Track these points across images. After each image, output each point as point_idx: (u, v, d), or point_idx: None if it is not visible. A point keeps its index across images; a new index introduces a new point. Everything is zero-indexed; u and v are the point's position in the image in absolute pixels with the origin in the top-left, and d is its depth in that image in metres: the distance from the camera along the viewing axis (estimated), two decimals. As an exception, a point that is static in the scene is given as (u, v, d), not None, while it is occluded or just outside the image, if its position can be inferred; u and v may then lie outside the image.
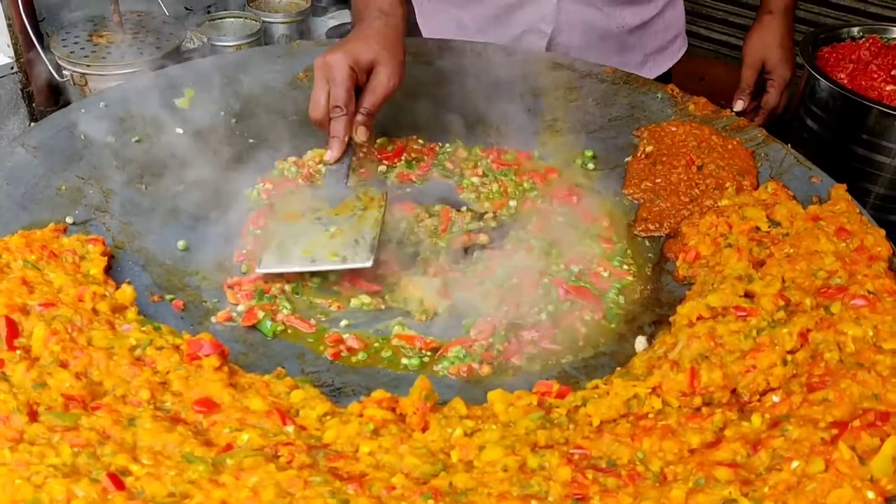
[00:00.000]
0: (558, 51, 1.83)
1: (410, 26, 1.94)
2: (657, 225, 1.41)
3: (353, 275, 1.29)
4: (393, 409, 1.01)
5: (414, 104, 1.63)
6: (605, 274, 1.33)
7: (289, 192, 1.45)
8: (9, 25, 2.54)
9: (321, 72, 1.38)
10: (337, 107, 1.37)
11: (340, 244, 1.29)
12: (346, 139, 1.40)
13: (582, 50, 1.82)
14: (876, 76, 1.98)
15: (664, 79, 1.91)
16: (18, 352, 1.01)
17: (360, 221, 1.33)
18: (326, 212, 1.36)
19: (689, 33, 2.00)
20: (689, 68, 3.25)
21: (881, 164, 1.79)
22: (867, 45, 2.08)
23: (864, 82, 1.98)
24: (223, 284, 1.28)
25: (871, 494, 0.84)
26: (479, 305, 1.26)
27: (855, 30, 2.14)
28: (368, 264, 1.26)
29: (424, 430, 0.99)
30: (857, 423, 0.93)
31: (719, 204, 1.39)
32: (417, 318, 1.25)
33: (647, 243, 1.40)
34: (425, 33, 1.95)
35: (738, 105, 1.83)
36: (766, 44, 1.83)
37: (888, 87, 1.94)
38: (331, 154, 1.41)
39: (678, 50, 1.99)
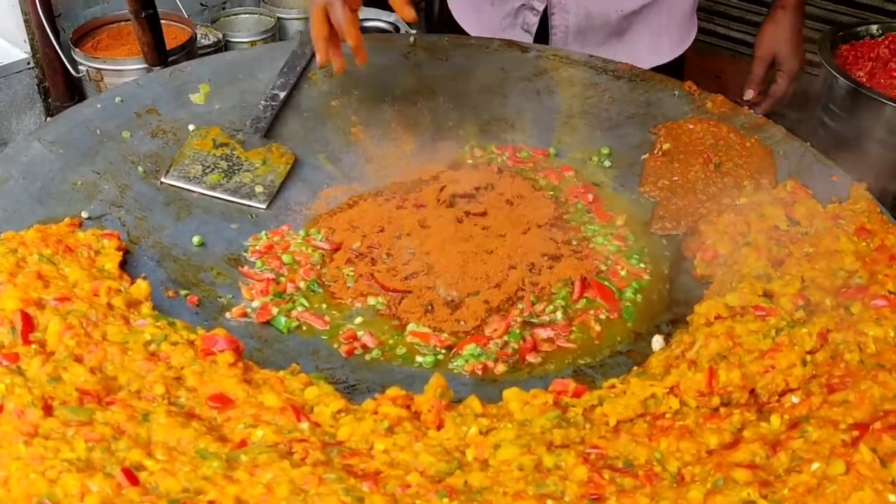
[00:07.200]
0: (556, 33, 1.83)
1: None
2: (674, 223, 1.40)
3: (384, 280, 1.29)
4: (408, 407, 1.00)
5: (428, 101, 1.62)
6: (623, 272, 1.31)
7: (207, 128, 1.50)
8: (25, 21, 2.55)
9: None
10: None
11: (243, 182, 1.43)
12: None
13: (580, 34, 1.82)
14: (895, 74, 1.96)
15: (677, 66, 1.90)
16: (34, 346, 1.01)
17: (266, 169, 1.45)
18: (238, 152, 1.46)
19: (705, 31, 1.97)
20: (705, 66, 3.26)
21: (900, 163, 1.77)
22: (886, 42, 2.06)
23: (883, 80, 1.96)
24: (238, 276, 1.27)
25: (892, 497, 0.83)
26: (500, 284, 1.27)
27: (874, 27, 2.12)
28: (263, 207, 1.40)
29: (439, 427, 0.98)
30: (878, 424, 0.91)
31: (737, 202, 1.37)
32: (444, 299, 1.25)
33: (664, 242, 1.39)
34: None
35: (748, 94, 1.86)
36: (777, 38, 1.84)
37: (907, 86, 1.93)
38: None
39: (688, 33, 1.94)
